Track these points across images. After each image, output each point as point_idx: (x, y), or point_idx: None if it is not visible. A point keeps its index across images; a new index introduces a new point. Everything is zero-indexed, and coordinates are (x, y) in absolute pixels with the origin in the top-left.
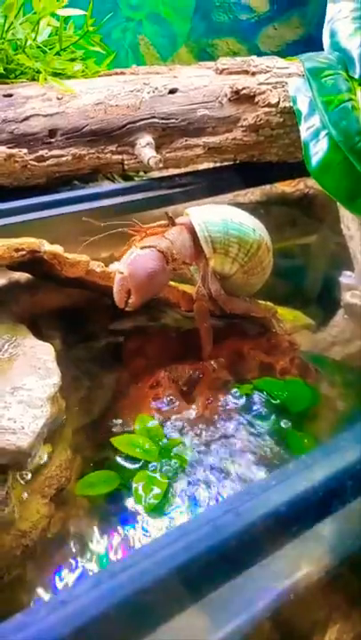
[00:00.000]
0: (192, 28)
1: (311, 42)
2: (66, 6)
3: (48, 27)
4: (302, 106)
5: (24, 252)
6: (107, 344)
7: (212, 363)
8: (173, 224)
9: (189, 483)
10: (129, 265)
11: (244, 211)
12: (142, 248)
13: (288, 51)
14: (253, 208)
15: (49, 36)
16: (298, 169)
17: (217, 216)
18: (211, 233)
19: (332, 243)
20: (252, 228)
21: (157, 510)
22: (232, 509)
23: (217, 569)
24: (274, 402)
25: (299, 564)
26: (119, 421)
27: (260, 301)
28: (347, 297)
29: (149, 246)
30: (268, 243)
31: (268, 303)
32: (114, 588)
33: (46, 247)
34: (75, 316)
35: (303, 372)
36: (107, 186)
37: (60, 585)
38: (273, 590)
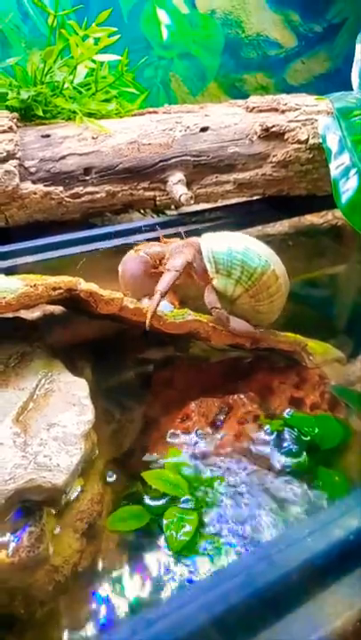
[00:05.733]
0: (221, 64)
1: (338, 75)
2: (101, 50)
3: (84, 69)
4: (332, 144)
5: (61, 291)
6: (136, 375)
7: (242, 397)
8: None
9: (220, 519)
10: (120, 266)
11: (273, 242)
12: (136, 251)
13: (316, 84)
14: (282, 239)
15: (85, 77)
16: (327, 202)
17: (224, 240)
18: (214, 254)
19: None
20: (258, 254)
21: (187, 548)
22: (266, 557)
23: (252, 618)
24: (304, 438)
25: (333, 612)
26: (149, 454)
27: (288, 334)
28: None
29: (140, 250)
30: (276, 270)
31: (298, 336)
32: (151, 638)
33: (82, 285)
34: (105, 347)
35: (333, 407)
36: (138, 221)
37: (91, 622)
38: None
